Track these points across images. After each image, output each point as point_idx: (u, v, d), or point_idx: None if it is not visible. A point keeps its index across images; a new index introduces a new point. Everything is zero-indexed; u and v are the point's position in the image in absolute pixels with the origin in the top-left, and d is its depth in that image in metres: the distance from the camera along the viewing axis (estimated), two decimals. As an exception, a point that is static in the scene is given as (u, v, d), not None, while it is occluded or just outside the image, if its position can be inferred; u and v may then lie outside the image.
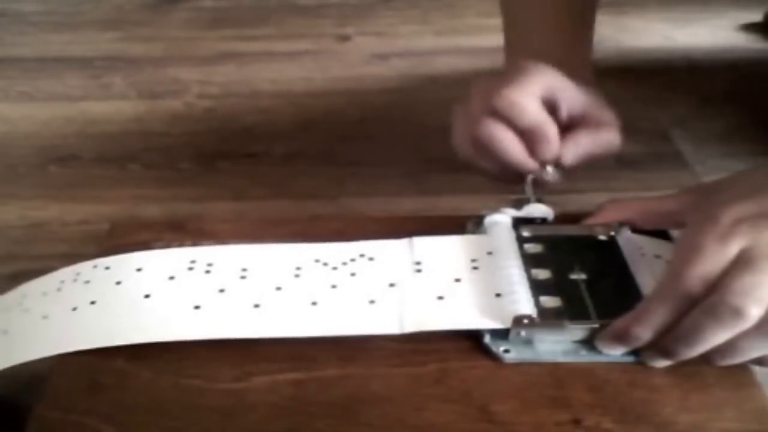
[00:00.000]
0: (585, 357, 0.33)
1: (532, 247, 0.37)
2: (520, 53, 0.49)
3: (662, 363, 0.32)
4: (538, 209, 0.39)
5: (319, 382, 0.32)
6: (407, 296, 0.35)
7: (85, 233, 0.54)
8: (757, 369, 0.32)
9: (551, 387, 0.32)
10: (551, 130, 0.39)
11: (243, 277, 0.36)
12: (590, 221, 0.39)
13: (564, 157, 0.40)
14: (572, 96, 0.40)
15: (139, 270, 0.37)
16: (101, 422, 0.31)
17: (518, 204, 0.40)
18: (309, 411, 0.31)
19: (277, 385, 0.32)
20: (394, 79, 0.75)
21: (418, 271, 0.36)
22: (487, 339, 0.33)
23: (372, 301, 0.35)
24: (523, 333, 0.33)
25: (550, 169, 0.40)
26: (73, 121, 0.69)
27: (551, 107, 0.40)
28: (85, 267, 0.37)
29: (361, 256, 0.37)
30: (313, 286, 0.35)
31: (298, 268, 0.37)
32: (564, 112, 0.40)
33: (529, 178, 0.40)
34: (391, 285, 0.35)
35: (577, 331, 0.33)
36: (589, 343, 0.33)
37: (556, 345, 0.33)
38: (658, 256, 0.37)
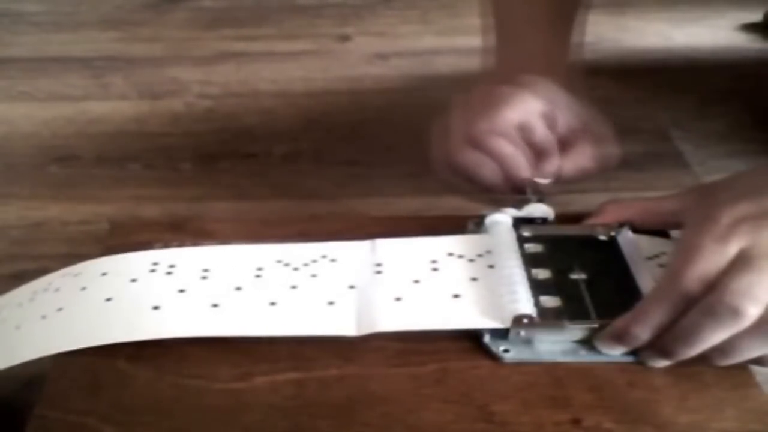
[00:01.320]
0: (584, 357, 0.33)
1: (532, 247, 0.37)
2: (507, 56, 0.49)
3: (661, 363, 0.32)
4: (538, 209, 0.40)
5: (319, 382, 0.32)
6: (366, 298, 0.35)
7: (85, 233, 0.54)
8: (756, 369, 0.32)
9: (551, 387, 0.32)
10: (554, 145, 0.40)
11: (204, 278, 0.36)
12: (591, 221, 0.39)
13: (563, 173, 0.41)
14: (569, 110, 0.41)
15: (104, 274, 0.37)
16: (101, 422, 0.31)
17: (519, 204, 0.40)
18: (309, 411, 0.31)
19: (277, 385, 0.32)
20: (394, 79, 0.75)
21: (378, 272, 0.36)
22: (486, 339, 0.33)
23: (331, 303, 0.35)
24: (522, 333, 0.33)
25: (537, 184, 0.40)
26: (73, 121, 0.69)
27: (549, 122, 0.41)
28: (56, 276, 0.38)
29: (323, 257, 0.38)
30: (273, 286, 0.36)
31: (259, 269, 0.37)
32: (562, 126, 0.41)
33: (528, 185, 0.40)
34: (351, 287, 0.36)
35: (577, 331, 0.33)
36: (588, 343, 0.33)
37: (555, 345, 0.33)
38: (658, 256, 0.37)
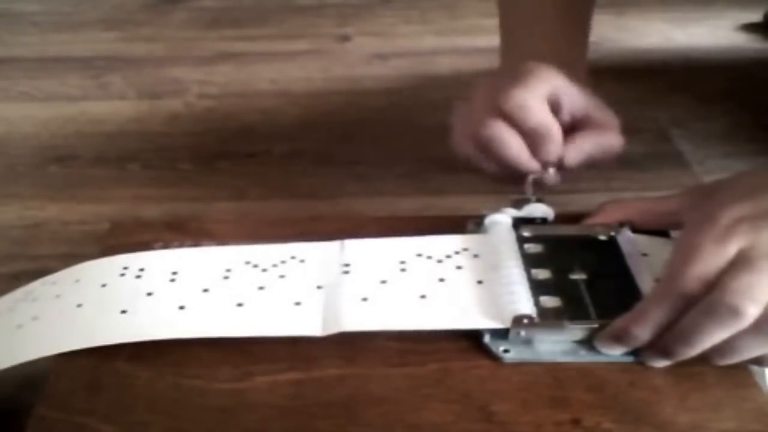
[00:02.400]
0: (584, 357, 0.33)
1: (532, 247, 0.37)
2: (517, 54, 0.49)
3: (661, 363, 0.32)
4: (538, 209, 0.39)
5: (319, 382, 0.32)
6: (332, 298, 0.35)
7: (85, 233, 0.54)
8: (756, 369, 0.32)
9: (551, 387, 0.32)
10: (556, 131, 0.39)
11: (172, 280, 0.36)
12: (590, 221, 0.39)
13: (567, 159, 0.40)
14: (575, 98, 0.40)
15: (77, 281, 0.37)
16: (101, 422, 0.31)
17: (518, 204, 0.40)
18: (309, 411, 0.31)
19: (277, 385, 0.32)
20: (394, 79, 0.75)
21: (346, 272, 0.36)
22: (486, 339, 0.33)
23: (297, 303, 0.35)
24: (522, 333, 0.33)
25: (551, 170, 0.39)
26: (73, 121, 0.69)
27: (554, 109, 0.40)
28: (36, 285, 0.38)
29: (292, 258, 0.38)
30: (240, 287, 0.36)
31: (228, 270, 0.37)
32: (567, 113, 0.40)
33: (530, 178, 0.40)
34: (319, 287, 0.36)
35: (577, 331, 0.33)
36: (588, 343, 0.33)
37: (555, 345, 0.33)
38: (657, 257, 0.37)
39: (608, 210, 0.39)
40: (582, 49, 0.49)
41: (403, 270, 0.36)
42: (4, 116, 0.69)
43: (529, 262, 0.36)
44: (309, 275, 0.36)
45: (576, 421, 0.30)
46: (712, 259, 0.30)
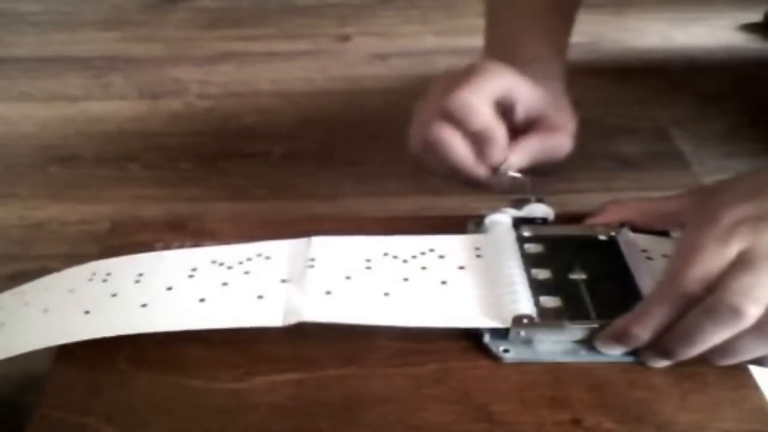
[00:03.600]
0: (584, 357, 0.33)
1: (532, 247, 0.37)
2: (495, 41, 0.48)
3: (661, 363, 0.32)
4: (538, 209, 0.39)
5: (319, 382, 0.32)
6: (296, 290, 0.35)
7: (85, 233, 0.54)
8: (756, 369, 0.32)
9: (551, 387, 0.32)
10: (499, 135, 0.38)
11: (137, 282, 0.36)
12: (591, 221, 0.39)
13: (510, 162, 0.39)
14: (529, 97, 0.40)
15: (47, 290, 0.37)
16: (101, 422, 0.31)
17: (519, 204, 0.40)
18: (309, 411, 0.31)
19: (277, 385, 0.32)
20: (394, 79, 0.75)
21: (311, 266, 0.36)
22: (486, 339, 0.33)
23: (260, 296, 0.35)
24: (522, 333, 0.33)
25: (501, 172, 0.39)
26: (73, 121, 0.68)
27: (507, 107, 0.39)
28: (5, 296, 0.38)
29: (258, 255, 0.38)
30: (204, 285, 0.36)
31: (193, 270, 0.37)
32: (520, 113, 0.40)
33: (508, 174, 0.39)
34: (283, 280, 0.36)
35: (577, 331, 0.33)
36: (588, 343, 0.33)
37: (555, 345, 0.33)
38: (658, 257, 0.37)
39: (609, 210, 0.39)
40: (564, 38, 0.48)
41: (368, 267, 0.36)
42: (4, 116, 0.69)
43: (530, 262, 0.36)
44: (274, 270, 0.37)
45: (576, 421, 0.30)
46: (713, 259, 0.30)
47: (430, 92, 0.41)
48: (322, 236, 0.39)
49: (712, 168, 0.60)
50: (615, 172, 0.58)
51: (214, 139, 0.66)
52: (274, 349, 0.34)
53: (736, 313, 0.29)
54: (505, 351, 0.33)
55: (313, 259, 0.37)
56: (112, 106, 0.71)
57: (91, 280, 0.37)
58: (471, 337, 0.34)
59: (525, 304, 0.33)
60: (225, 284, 0.36)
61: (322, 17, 0.89)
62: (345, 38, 0.84)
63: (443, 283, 0.35)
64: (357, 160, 0.62)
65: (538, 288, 0.34)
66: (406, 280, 0.36)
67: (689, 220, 0.33)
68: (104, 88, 0.74)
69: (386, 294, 0.35)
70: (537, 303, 0.33)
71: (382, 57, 0.80)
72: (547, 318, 0.33)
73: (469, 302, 0.34)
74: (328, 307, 0.34)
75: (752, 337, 0.30)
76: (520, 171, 0.39)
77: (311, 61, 0.79)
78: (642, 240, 0.37)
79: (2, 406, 0.39)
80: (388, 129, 0.66)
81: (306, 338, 0.33)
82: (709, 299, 0.29)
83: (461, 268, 0.36)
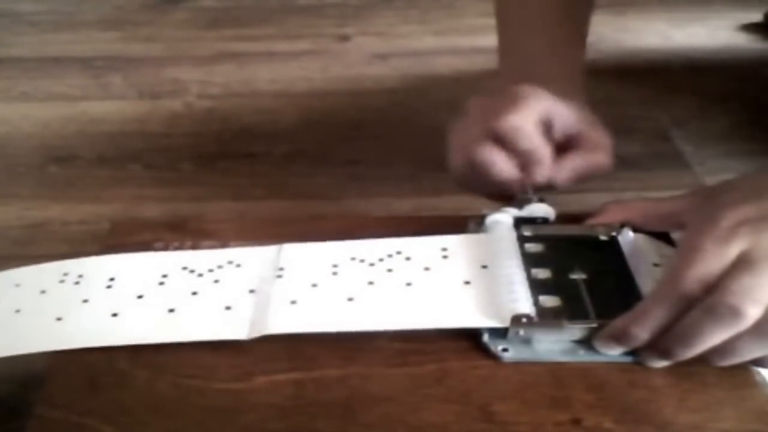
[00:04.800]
0: (583, 357, 0.33)
1: (532, 247, 0.37)
2: (516, 57, 0.49)
3: (660, 363, 0.32)
4: (539, 209, 0.39)
5: (319, 382, 0.32)
6: (263, 301, 0.35)
7: (85, 233, 0.54)
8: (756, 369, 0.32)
9: (551, 387, 0.32)
10: (546, 155, 0.40)
11: (109, 287, 0.37)
12: (593, 221, 0.39)
13: (557, 179, 0.41)
14: (566, 118, 0.41)
15: (17, 286, 0.37)
16: (101, 422, 0.31)
17: (520, 204, 0.40)
18: (309, 411, 0.31)
19: (277, 385, 0.32)
20: (394, 79, 0.75)
21: (279, 276, 0.37)
22: (485, 338, 0.33)
23: (228, 307, 0.35)
24: (521, 332, 0.33)
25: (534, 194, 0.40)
26: (73, 121, 0.69)
27: (547, 129, 0.41)
28: None
29: (229, 263, 0.38)
30: (174, 293, 0.36)
31: (164, 276, 0.37)
32: (559, 133, 0.41)
33: (529, 184, 0.40)
34: (251, 291, 0.36)
35: (576, 330, 0.33)
36: (587, 342, 0.33)
37: (554, 344, 0.33)
38: (659, 259, 0.37)
39: (610, 210, 0.39)
40: (580, 52, 0.50)
41: (334, 273, 0.37)
42: (4, 116, 0.69)
43: (530, 261, 0.36)
44: (243, 280, 0.37)
45: (576, 421, 0.30)
46: (713, 260, 0.30)
47: (467, 115, 0.42)
48: (293, 243, 0.39)
49: (712, 168, 0.60)
50: (615, 172, 0.58)
51: (215, 139, 0.66)
52: (274, 349, 0.34)
53: (735, 313, 0.29)
54: (504, 350, 0.33)
55: (281, 269, 0.37)
56: (112, 106, 0.71)
57: (62, 281, 0.37)
58: (471, 337, 0.34)
59: (524, 303, 0.33)
60: (194, 293, 0.36)
61: (322, 17, 0.89)
62: (345, 38, 0.84)
63: (408, 284, 0.36)
64: (357, 160, 0.62)
65: (537, 287, 0.34)
66: (371, 283, 0.36)
67: (690, 221, 0.33)
68: (104, 88, 0.74)
69: (350, 299, 0.35)
70: (536, 302, 0.33)
71: (382, 57, 0.80)
72: (546, 317, 0.33)
73: (434, 304, 0.34)
74: (293, 318, 0.34)
75: (752, 338, 0.30)
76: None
77: (311, 61, 0.79)
78: (642, 241, 0.37)
79: (2, 406, 0.39)
80: (388, 129, 0.66)
81: (306, 338, 0.33)
82: (708, 300, 0.29)
83: (389, 271, 0.36)
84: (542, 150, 0.40)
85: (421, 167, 0.60)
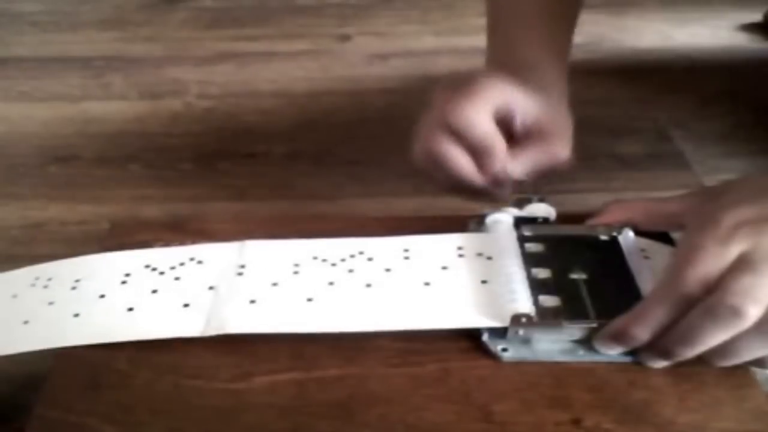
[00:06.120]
0: (583, 357, 0.33)
1: (533, 247, 0.37)
2: (497, 44, 0.49)
3: (660, 363, 0.32)
4: (540, 209, 0.39)
5: (319, 382, 0.32)
6: (222, 299, 0.35)
7: (85, 233, 0.54)
8: (756, 369, 0.32)
9: (551, 387, 0.32)
10: (498, 146, 0.39)
11: (74, 288, 0.37)
12: (593, 221, 0.39)
13: (512, 171, 0.40)
14: (526, 107, 0.41)
15: None
16: (101, 422, 0.31)
17: (520, 203, 0.40)
18: (309, 411, 0.31)
19: (277, 385, 0.32)
20: (394, 79, 0.75)
21: (240, 274, 0.36)
22: (485, 337, 0.33)
23: (186, 305, 0.35)
24: (521, 332, 0.33)
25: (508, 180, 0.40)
26: (73, 121, 0.69)
27: (506, 118, 0.40)
28: None
29: (191, 259, 0.38)
30: (134, 292, 0.36)
31: (126, 275, 0.37)
32: (519, 123, 0.41)
33: (501, 179, 0.40)
34: (210, 288, 0.36)
35: (575, 330, 0.33)
36: (587, 342, 0.33)
37: (554, 344, 0.33)
38: (659, 258, 0.37)
39: (611, 210, 0.38)
40: (566, 41, 0.49)
41: (296, 273, 0.36)
42: (4, 116, 0.69)
43: (530, 261, 0.36)
44: (204, 277, 0.37)
45: (576, 421, 0.30)
46: (713, 260, 0.30)
47: (432, 104, 0.41)
48: (256, 240, 0.39)
49: (712, 168, 0.60)
50: (615, 172, 0.58)
51: (214, 139, 0.66)
52: (274, 349, 0.34)
53: (736, 313, 0.29)
54: (504, 350, 0.33)
55: (243, 266, 0.37)
56: (112, 106, 0.71)
57: (33, 285, 0.37)
58: (471, 337, 0.34)
59: (524, 303, 0.33)
60: (155, 291, 0.36)
61: (322, 17, 0.89)
62: (345, 38, 0.84)
63: (368, 285, 0.36)
64: (357, 160, 0.62)
65: (537, 287, 0.34)
66: (331, 284, 0.36)
67: (691, 221, 0.33)
68: (104, 88, 0.74)
69: (309, 300, 0.35)
70: (536, 302, 0.33)
71: (382, 57, 0.80)
72: (545, 317, 0.33)
73: (402, 304, 0.34)
74: (252, 317, 0.34)
75: (752, 338, 0.30)
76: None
77: (311, 61, 0.79)
78: (643, 241, 0.37)
79: (2, 406, 0.39)
80: (388, 129, 0.66)
81: (306, 338, 0.33)
82: (709, 300, 0.29)
83: (350, 271, 0.36)
84: (494, 142, 0.39)
85: (424, 177, 0.59)
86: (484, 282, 0.35)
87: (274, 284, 0.36)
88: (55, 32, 0.86)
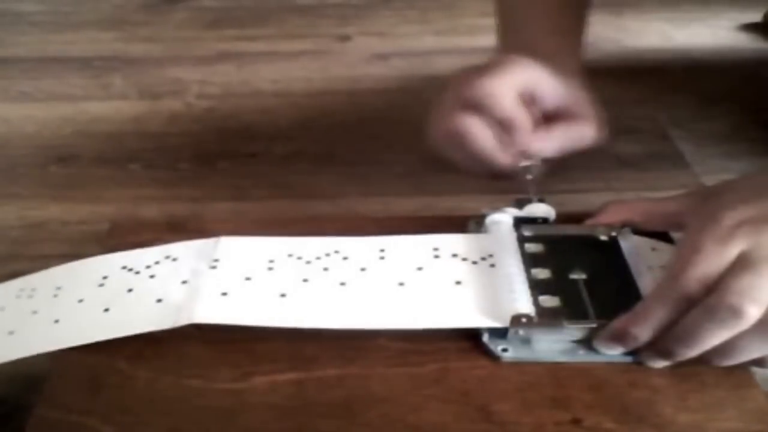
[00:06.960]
0: (583, 357, 0.33)
1: (532, 247, 0.37)
2: (513, 40, 0.48)
3: (660, 363, 0.32)
4: (539, 209, 0.39)
5: (319, 382, 0.32)
6: (194, 291, 0.35)
7: (85, 233, 0.54)
8: (756, 369, 0.32)
9: (551, 387, 0.32)
10: (523, 121, 0.38)
11: (55, 296, 0.37)
12: (593, 221, 0.39)
13: (538, 149, 0.39)
14: (551, 89, 0.40)
15: None
16: (101, 422, 0.31)
17: (520, 203, 0.40)
18: (309, 411, 0.31)
19: (277, 385, 0.32)
20: (394, 79, 0.75)
21: (213, 267, 0.37)
22: (485, 338, 0.33)
23: (159, 300, 0.35)
24: (521, 332, 0.33)
25: (525, 162, 0.39)
26: (73, 121, 0.68)
27: (529, 100, 0.39)
28: None
29: (166, 257, 0.38)
30: (111, 293, 0.36)
31: (104, 278, 0.37)
32: (542, 104, 0.40)
33: (528, 177, 0.40)
34: (184, 282, 0.36)
35: (575, 330, 0.33)
36: (587, 343, 0.33)
37: (554, 344, 0.33)
38: (659, 258, 0.37)
39: (611, 210, 0.38)
40: (580, 36, 0.49)
41: (270, 269, 0.37)
42: (4, 116, 0.69)
43: (530, 261, 0.36)
44: (178, 273, 0.37)
45: (576, 421, 0.30)
46: (713, 260, 0.30)
47: (449, 87, 0.40)
48: (231, 237, 0.39)
49: (712, 168, 0.60)
50: (615, 172, 0.58)
51: (214, 139, 0.66)
52: (274, 349, 0.34)
53: (736, 313, 0.29)
54: (504, 350, 0.33)
55: (216, 260, 0.37)
56: (112, 106, 0.71)
57: (18, 297, 0.38)
58: (471, 337, 0.34)
59: (524, 303, 0.33)
60: (130, 290, 0.36)
61: (322, 17, 0.89)
62: (345, 38, 0.84)
63: (342, 284, 0.36)
64: (357, 160, 0.62)
65: (537, 287, 0.34)
66: (305, 281, 0.36)
67: (690, 221, 0.33)
68: (104, 88, 0.74)
69: (282, 295, 0.35)
70: (536, 302, 0.33)
71: (382, 57, 0.80)
72: (545, 317, 0.33)
73: (372, 304, 0.34)
74: (222, 309, 0.34)
75: (752, 338, 0.30)
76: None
77: (311, 61, 0.79)
78: (643, 241, 0.37)
79: (3, 406, 0.39)
80: (388, 129, 0.66)
81: (306, 338, 0.33)
82: (709, 299, 0.29)
83: (325, 269, 0.36)
84: (519, 116, 0.38)
85: (421, 167, 0.59)
86: (458, 283, 0.35)
87: (248, 278, 0.36)
88: (55, 32, 0.86)
